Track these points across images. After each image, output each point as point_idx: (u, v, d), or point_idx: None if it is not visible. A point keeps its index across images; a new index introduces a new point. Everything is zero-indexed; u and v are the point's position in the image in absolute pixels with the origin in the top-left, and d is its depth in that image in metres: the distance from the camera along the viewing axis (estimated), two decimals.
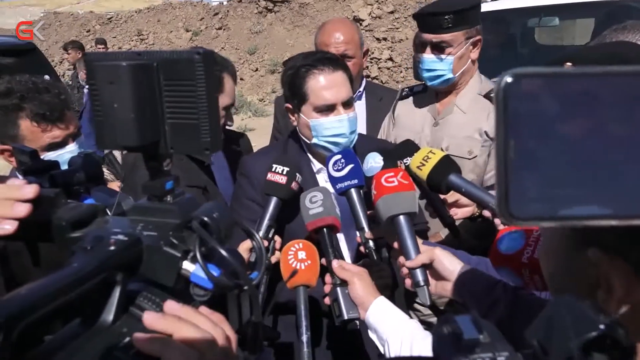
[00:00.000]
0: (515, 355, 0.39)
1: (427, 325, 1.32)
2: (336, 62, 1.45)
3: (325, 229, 1.25)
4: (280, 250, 1.31)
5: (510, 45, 4.13)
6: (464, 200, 1.32)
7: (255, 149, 1.92)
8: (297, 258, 1.21)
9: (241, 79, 13.49)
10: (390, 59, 11.91)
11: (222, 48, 14.85)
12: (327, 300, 1.21)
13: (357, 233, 1.27)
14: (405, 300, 1.70)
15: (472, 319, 0.42)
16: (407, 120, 1.94)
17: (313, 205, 1.26)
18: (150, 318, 0.52)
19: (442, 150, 1.70)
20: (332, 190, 1.32)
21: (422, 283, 1.05)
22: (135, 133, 0.54)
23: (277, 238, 1.34)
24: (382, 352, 1.09)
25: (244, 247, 1.24)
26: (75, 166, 0.77)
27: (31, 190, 0.62)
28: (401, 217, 1.10)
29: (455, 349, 0.40)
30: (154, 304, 0.54)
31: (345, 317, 1.15)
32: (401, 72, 11.65)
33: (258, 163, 1.48)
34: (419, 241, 1.11)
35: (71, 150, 1.45)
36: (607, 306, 0.49)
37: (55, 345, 0.50)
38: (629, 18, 1.34)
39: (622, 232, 0.47)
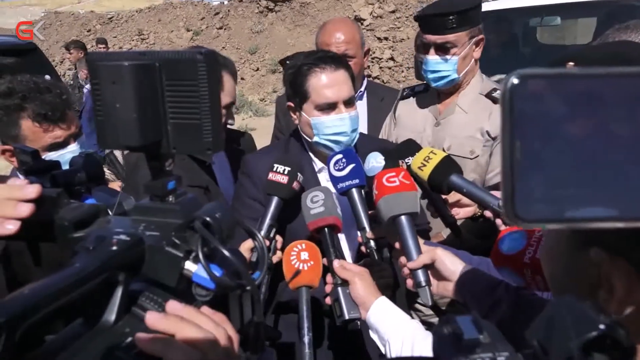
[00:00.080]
0: (516, 355, 0.39)
1: (428, 326, 1.32)
2: (338, 60, 1.45)
3: (326, 229, 1.25)
4: (281, 250, 1.31)
5: (512, 44, 4.12)
6: (465, 200, 1.32)
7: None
8: (300, 259, 1.21)
9: (242, 79, 13.49)
10: (392, 58, 11.90)
11: (223, 48, 14.85)
12: (328, 300, 1.21)
13: (359, 233, 1.27)
14: (407, 301, 1.70)
15: (473, 319, 0.42)
16: (409, 120, 1.94)
17: (314, 205, 1.26)
18: (152, 318, 0.52)
19: (443, 150, 1.70)
20: (333, 190, 1.32)
21: (423, 283, 1.05)
22: (138, 133, 0.54)
23: (279, 238, 1.34)
24: (383, 352, 1.09)
25: (246, 247, 1.24)
26: (76, 166, 0.77)
27: (33, 190, 0.63)
28: (403, 218, 1.10)
29: (456, 349, 0.40)
30: (156, 304, 0.54)
31: (346, 317, 1.15)
32: (402, 71, 11.64)
33: (260, 162, 1.48)
34: (420, 241, 1.11)
35: (72, 150, 1.45)
36: (608, 306, 0.49)
37: (57, 345, 0.50)
38: (631, 17, 1.33)
39: (624, 232, 0.47)
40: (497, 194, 1.19)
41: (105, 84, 0.54)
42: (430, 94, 1.93)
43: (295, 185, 1.33)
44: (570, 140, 0.34)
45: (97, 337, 0.51)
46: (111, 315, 0.53)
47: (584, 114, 0.35)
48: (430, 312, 1.85)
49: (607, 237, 0.49)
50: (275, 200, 1.32)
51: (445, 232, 1.65)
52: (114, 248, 0.53)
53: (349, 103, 1.43)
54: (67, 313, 0.52)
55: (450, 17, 1.69)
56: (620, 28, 1.28)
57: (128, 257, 0.54)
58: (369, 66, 11.08)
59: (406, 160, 1.31)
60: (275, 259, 1.31)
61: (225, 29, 16.30)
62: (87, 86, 5.37)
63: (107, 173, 1.82)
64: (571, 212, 0.35)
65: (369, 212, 1.26)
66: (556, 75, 0.35)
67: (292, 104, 1.50)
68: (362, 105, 2.16)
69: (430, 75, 1.80)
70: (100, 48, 7.78)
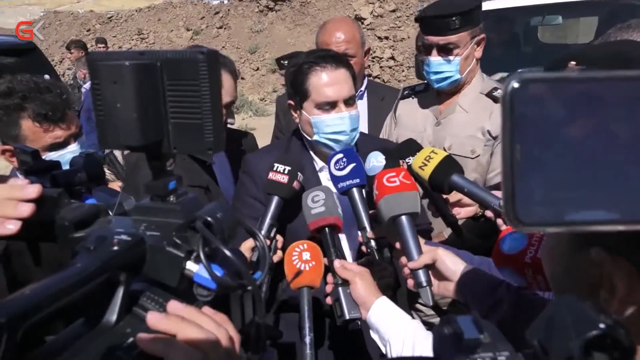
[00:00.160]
0: (516, 355, 0.39)
1: (429, 326, 1.32)
2: (339, 59, 1.45)
3: (327, 229, 1.25)
4: (282, 249, 1.31)
5: (513, 43, 4.12)
6: (466, 199, 1.32)
7: None
8: (302, 259, 1.21)
9: (242, 78, 13.48)
10: (392, 57, 11.90)
11: (223, 47, 14.84)
12: (328, 300, 1.21)
13: (359, 232, 1.27)
14: (408, 301, 1.70)
15: (473, 319, 0.42)
16: (409, 120, 1.94)
17: (315, 204, 1.26)
18: (153, 318, 0.52)
19: (444, 149, 1.70)
20: (334, 189, 1.32)
21: (424, 284, 1.05)
22: (138, 133, 0.54)
23: (279, 237, 1.34)
24: (384, 352, 1.09)
25: (246, 246, 1.24)
26: (76, 166, 0.77)
27: (34, 190, 0.63)
28: (403, 218, 1.10)
29: (456, 349, 0.40)
30: (157, 304, 0.54)
31: (347, 317, 1.15)
32: (403, 71, 11.64)
33: (261, 161, 1.48)
34: (421, 241, 1.11)
35: (73, 150, 1.45)
36: (609, 306, 0.49)
37: (58, 346, 0.50)
38: (633, 16, 1.33)
39: (625, 233, 0.47)
40: (498, 193, 1.19)
41: (106, 83, 0.54)
42: (431, 94, 1.92)
43: (295, 184, 1.33)
44: (570, 143, 0.35)
45: (98, 337, 0.51)
46: (112, 315, 0.53)
47: (584, 117, 0.35)
48: (432, 312, 1.85)
49: (608, 237, 0.49)
50: (275, 199, 1.32)
51: (447, 232, 1.65)
52: (115, 248, 0.53)
53: (350, 102, 1.43)
54: (68, 313, 0.52)
55: (453, 18, 1.69)
56: (622, 27, 1.28)
57: (129, 257, 0.54)
58: (369, 65, 11.07)
59: (407, 160, 1.31)
60: (275, 258, 1.31)
61: (225, 29, 16.29)
62: (85, 85, 5.37)
63: (107, 173, 1.82)
64: (572, 215, 0.35)
65: (370, 211, 1.26)
66: (556, 79, 0.35)
67: (292, 103, 1.50)
68: (362, 105, 2.16)
69: (433, 77, 1.80)
70: (99, 47, 7.77)
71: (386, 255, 1.29)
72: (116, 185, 1.73)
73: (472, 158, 1.76)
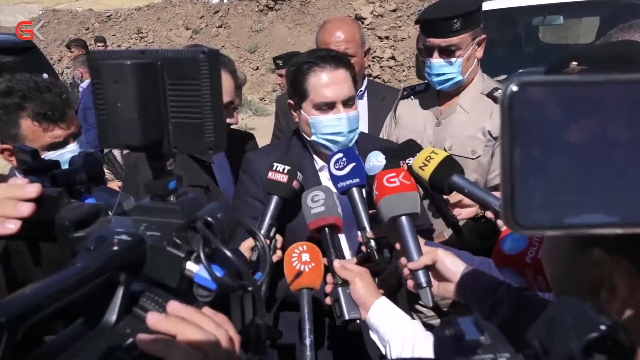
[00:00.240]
0: (517, 356, 0.39)
1: (429, 328, 1.31)
2: (339, 59, 1.45)
3: (327, 229, 1.25)
4: (281, 249, 1.31)
5: (514, 43, 4.12)
6: (467, 200, 1.32)
7: None
8: (301, 260, 1.21)
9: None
10: (393, 57, 11.90)
11: (223, 46, 14.83)
12: (328, 300, 1.21)
13: (359, 232, 1.27)
14: (408, 302, 1.70)
15: (474, 320, 0.42)
16: (409, 120, 1.94)
17: (315, 204, 1.26)
18: (153, 319, 0.51)
19: (445, 150, 1.70)
20: (334, 189, 1.31)
21: (424, 284, 1.05)
22: (139, 132, 0.54)
23: (279, 237, 1.34)
24: (384, 352, 1.09)
25: (246, 246, 1.24)
26: (76, 166, 0.77)
27: (34, 189, 0.62)
28: (403, 218, 1.10)
29: (457, 350, 0.40)
30: (157, 304, 0.54)
31: (347, 318, 1.15)
32: (403, 71, 11.64)
33: (261, 161, 1.48)
34: (421, 242, 1.11)
35: (72, 149, 1.45)
36: (610, 307, 0.49)
37: (58, 346, 0.50)
38: (634, 17, 1.33)
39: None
40: (499, 194, 1.19)
41: (107, 83, 0.54)
42: (431, 94, 1.92)
43: (295, 184, 1.33)
44: (569, 146, 0.35)
45: (98, 337, 0.51)
46: (112, 315, 0.53)
47: (583, 120, 0.35)
48: (432, 313, 1.85)
49: (608, 237, 0.49)
50: (275, 199, 1.32)
51: (447, 233, 1.65)
52: (115, 248, 0.53)
53: (349, 103, 1.43)
54: (68, 313, 0.51)
55: (454, 20, 1.68)
56: (623, 27, 1.28)
57: (129, 257, 0.54)
58: (369, 65, 11.06)
59: (407, 160, 1.31)
60: (275, 258, 1.31)
61: (224, 28, 16.29)
62: (82, 84, 5.36)
63: (106, 173, 1.82)
64: (571, 219, 0.35)
65: (370, 211, 1.26)
66: (555, 82, 0.35)
67: (292, 102, 1.50)
68: (362, 105, 2.16)
69: (436, 79, 1.80)
70: (98, 46, 7.76)
71: (386, 255, 1.29)
72: (115, 184, 1.73)
73: (472, 158, 1.76)
